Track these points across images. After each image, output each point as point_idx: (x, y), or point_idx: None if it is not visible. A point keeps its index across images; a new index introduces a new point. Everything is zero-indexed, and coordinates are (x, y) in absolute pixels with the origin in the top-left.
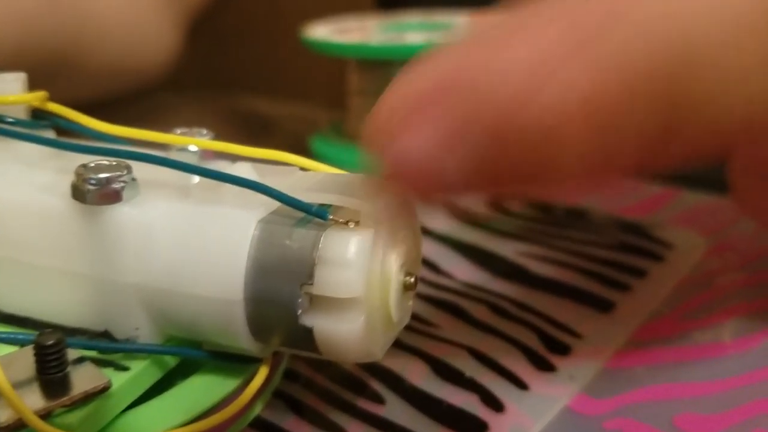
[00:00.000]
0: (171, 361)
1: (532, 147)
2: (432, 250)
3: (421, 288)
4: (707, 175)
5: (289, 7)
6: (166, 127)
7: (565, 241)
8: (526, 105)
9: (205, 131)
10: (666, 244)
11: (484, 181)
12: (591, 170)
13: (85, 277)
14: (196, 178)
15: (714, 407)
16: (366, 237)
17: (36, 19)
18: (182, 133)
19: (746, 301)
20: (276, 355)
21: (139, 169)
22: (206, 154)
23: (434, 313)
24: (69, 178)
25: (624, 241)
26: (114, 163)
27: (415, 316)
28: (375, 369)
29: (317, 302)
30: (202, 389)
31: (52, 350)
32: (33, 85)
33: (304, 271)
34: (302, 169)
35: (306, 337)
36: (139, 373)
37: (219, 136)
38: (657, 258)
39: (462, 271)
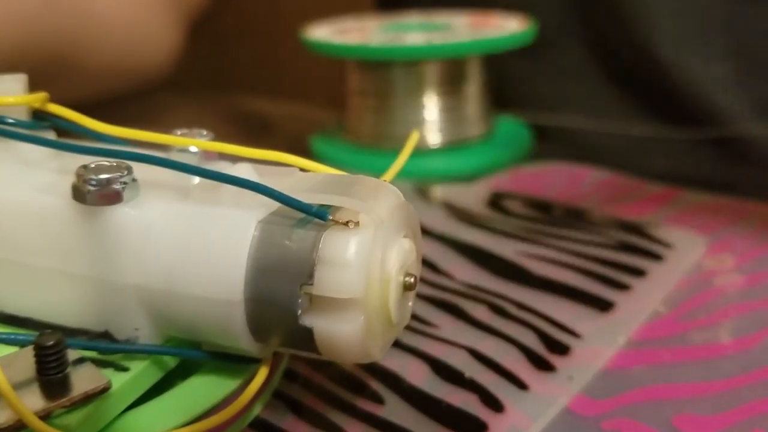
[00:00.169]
0: (171, 361)
1: None
2: (432, 250)
3: (421, 288)
4: (707, 175)
5: (289, 7)
6: (166, 127)
7: (565, 241)
8: None
9: (205, 132)
10: (665, 244)
11: None
12: None
13: (85, 277)
14: (197, 179)
15: (712, 408)
16: (366, 238)
17: (36, 20)
18: (182, 134)
19: (745, 302)
20: (276, 356)
21: (139, 169)
22: (207, 154)
23: (434, 313)
24: (69, 179)
25: (623, 241)
26: (114, 163)
27: (414, 317)
28: (374, 369)
29: (317, 302)
30: (201, 390)
31: (52, 351)
32: (33, 86)
33: (304, 271)
34: (302, 169)
35: (306, 337)
36: (139, 373)
37: (219, 137)
38: (656, 258)
39: (461, 271)
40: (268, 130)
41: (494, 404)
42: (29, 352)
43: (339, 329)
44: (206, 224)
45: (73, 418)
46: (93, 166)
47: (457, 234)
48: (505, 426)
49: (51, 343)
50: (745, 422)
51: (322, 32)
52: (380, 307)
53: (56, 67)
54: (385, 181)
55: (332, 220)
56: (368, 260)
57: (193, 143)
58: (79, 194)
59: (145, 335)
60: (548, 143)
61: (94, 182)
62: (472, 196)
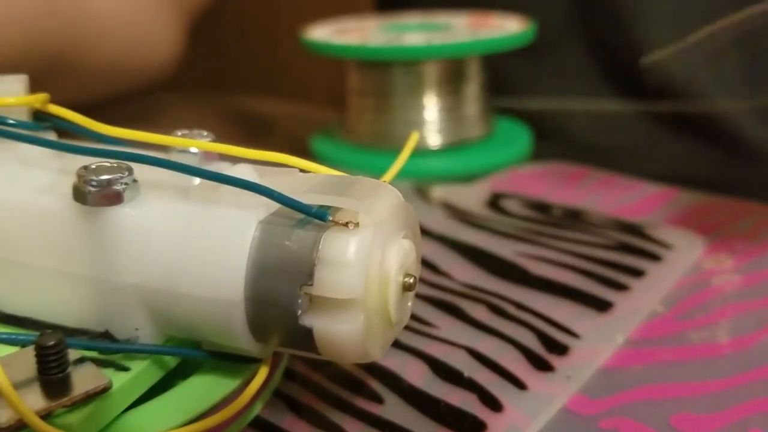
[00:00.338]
0: (171, 361)
1: None
2: (431, 250)
3: (420, 288)
4: (706, 176)
5: (289, 7)
6: (166, 127)
7: (564, 242)
8: None
9: (205, 133)
10: (664, 245)
11: None
12: None
13: (85, 277)
14: (197, 180)
15: (710, 407)
16: (365, 238)
17: (37, 21)
18: (183, 135)
19: (743, 302)
20: (275, 355)
21: (139, 170)
22: (207, 155)
23: (433, 313)
24: (70, 180)
25: (622, 242)
26: (115, 164)
27: (414, 316)
28: (374, 368)
29: (317, 303)
30: (202, 389)
31: (52, 351)
32: (34, 87)
33: (304, 271)
34: (301, 170)
35: (305, 337)
36: (140, 373)
37: (219, 137)
38: (655, 258)
39: (461, 271)
40: (268, 130)
41: (493, 404)
42: (30, 351)
43: (339, 329)
44: (206, 225)
45: (73, 418)
46: (94, 166)
47: (456, 234)
48: (503, 425)
49: (52, 343)
50: (742, 421)
51: (322, 32)
52: (380, 307)
53: (57, 68)
54: (384, 181)
55: (332, 221)
56: (368, 260)
57: (193, 144)
58: (79, 195)
59: (146, 335)
60: (548, 143)
61: (94, 183)
62: (472, 196)
